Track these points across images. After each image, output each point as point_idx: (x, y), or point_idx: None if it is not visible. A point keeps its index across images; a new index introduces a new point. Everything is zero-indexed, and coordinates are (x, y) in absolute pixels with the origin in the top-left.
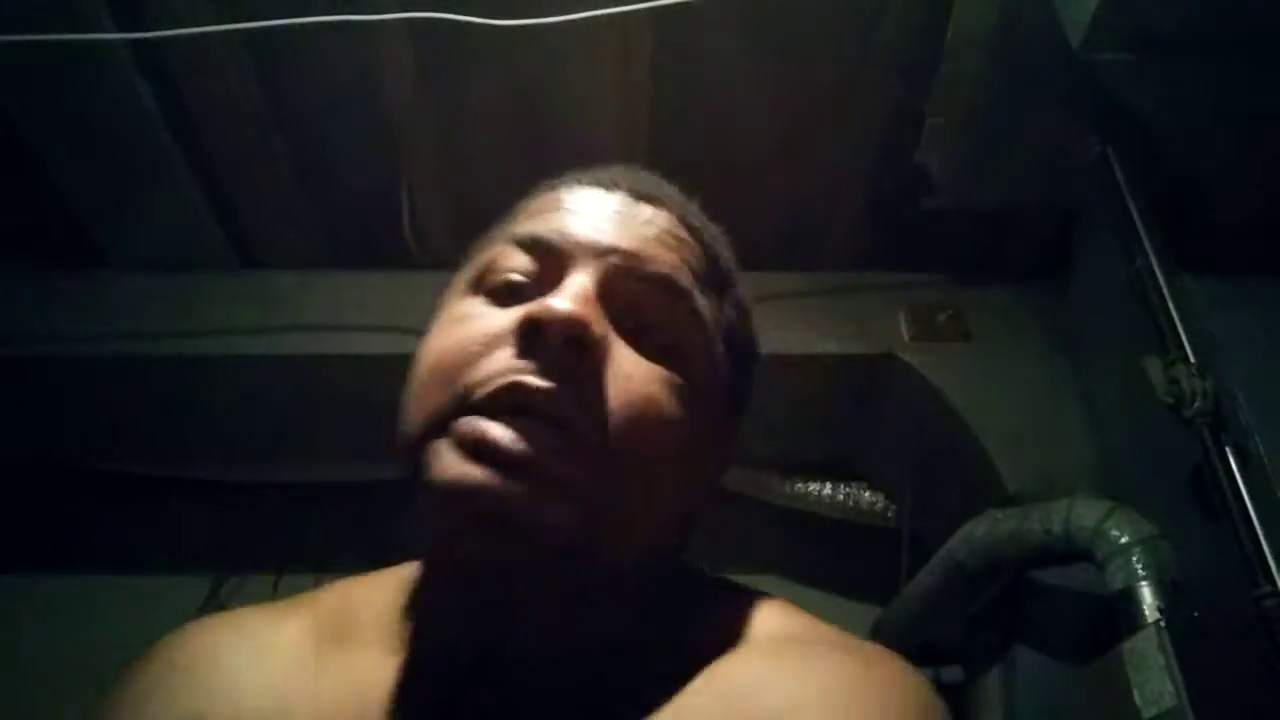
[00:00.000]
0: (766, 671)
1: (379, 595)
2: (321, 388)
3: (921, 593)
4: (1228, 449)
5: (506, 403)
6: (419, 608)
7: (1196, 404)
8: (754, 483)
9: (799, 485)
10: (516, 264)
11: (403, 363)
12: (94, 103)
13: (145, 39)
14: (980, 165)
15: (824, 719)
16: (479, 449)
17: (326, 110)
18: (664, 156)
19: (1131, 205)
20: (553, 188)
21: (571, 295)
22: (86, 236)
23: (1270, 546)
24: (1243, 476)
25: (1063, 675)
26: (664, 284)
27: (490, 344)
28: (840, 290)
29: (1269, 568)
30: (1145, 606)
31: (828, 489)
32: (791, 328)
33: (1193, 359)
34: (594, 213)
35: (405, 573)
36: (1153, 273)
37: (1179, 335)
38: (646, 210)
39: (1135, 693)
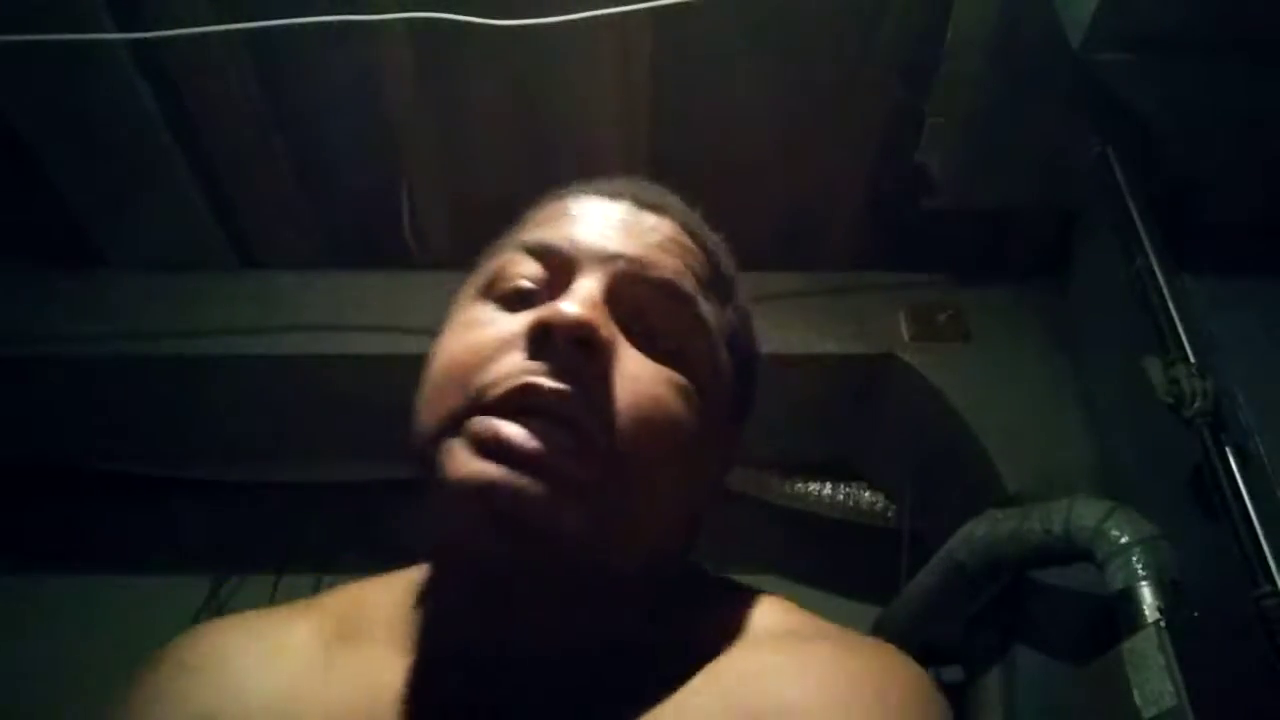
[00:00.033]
0: (767, 665)
1: (388, 596)
2: (321, 388)
3: (921, 593)
4: (1228, 449)
5: (519, 403)
6: (428, 608)
7: (1196, 404)
8: (754, 483)
9: (799, 485)
10: (526, 271)
11: (403, 363)
12: (94, 103)
13: (145, 39)
14: (980, 165)
15: (825, 711)
16: (493, 447)
17: (326, 110)
18: (664, 156)
19: (1131, 205)
20: (559, 197)
21: (580, 299)
22: (86, 236)
23: (1270, 546)
24: (1243, 476)
25: (1063, 675)
26: (668, 289)
27: (501, 347)
28: (840, 290)
29: (1269, 568)
30: (1145, 606)
31: (828, 489)
32: (791, 328)
33: (1193, 359)
34: (600, 221)
35: (414, 575)
36: (1153, 273)
37: (1179, 335)
38: (650, 218)
39: (1135, 693)
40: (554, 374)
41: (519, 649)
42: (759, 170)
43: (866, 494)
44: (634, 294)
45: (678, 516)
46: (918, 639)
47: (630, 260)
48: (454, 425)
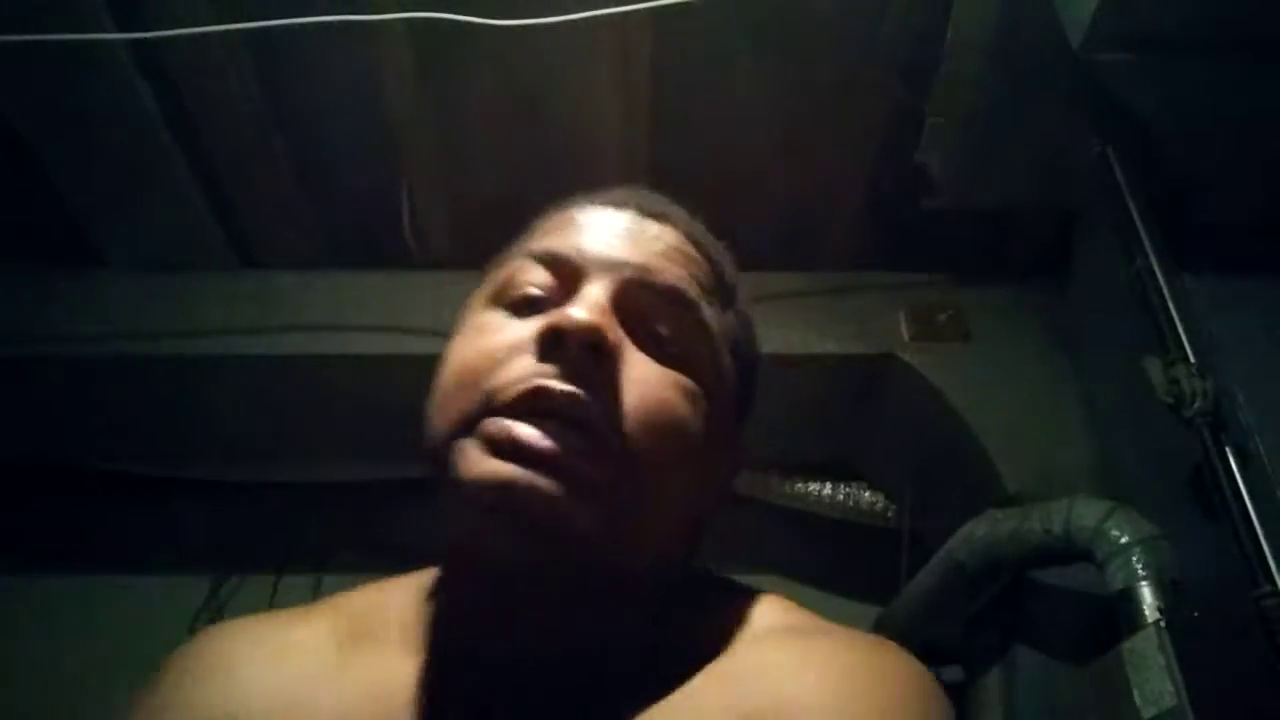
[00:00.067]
0: (768, 662)
1: (400, 597)
2: (321, 388)
3: (921, 593)
4: (1228, 449)
5: (531, 405)
6: (440, 609)
7: (1196, 404)
8: (754, 483)
9: (799, 485)
10: (534, 278)
11: (403, 363)
12: (94, 103)
13: (145, 39)
14: (980, 165)
15: (825, 707)
16: (507, 447)
17: (326, 110)
18: (664, 157)
19: (1131, 205)
20: (566, 207)
21: (588, 305)
22: (86, 236)
23: (1270, 546)
24: (1243, 476)
25: (1063, 675)
26: (672, 295)
27: (512, 352)
28: (840, 290)
29: (1269, 568)
30: (1145, 606)
31: (828, 489)
32: (791, 328)
33: (1193, 359)
34: (606, 230)
35: (426, 577)
36: (1153, 273)
37: (1179, 335)
38: (654, 227)
39: (1135, 693)
40: (565, 377)
41: (528, 650)
42: (759, 170)
43: (866, 494)
44: (639, 300)
45: (685, 518)
46: (918, 639)
47: (636, 268)
48: (466, 427)
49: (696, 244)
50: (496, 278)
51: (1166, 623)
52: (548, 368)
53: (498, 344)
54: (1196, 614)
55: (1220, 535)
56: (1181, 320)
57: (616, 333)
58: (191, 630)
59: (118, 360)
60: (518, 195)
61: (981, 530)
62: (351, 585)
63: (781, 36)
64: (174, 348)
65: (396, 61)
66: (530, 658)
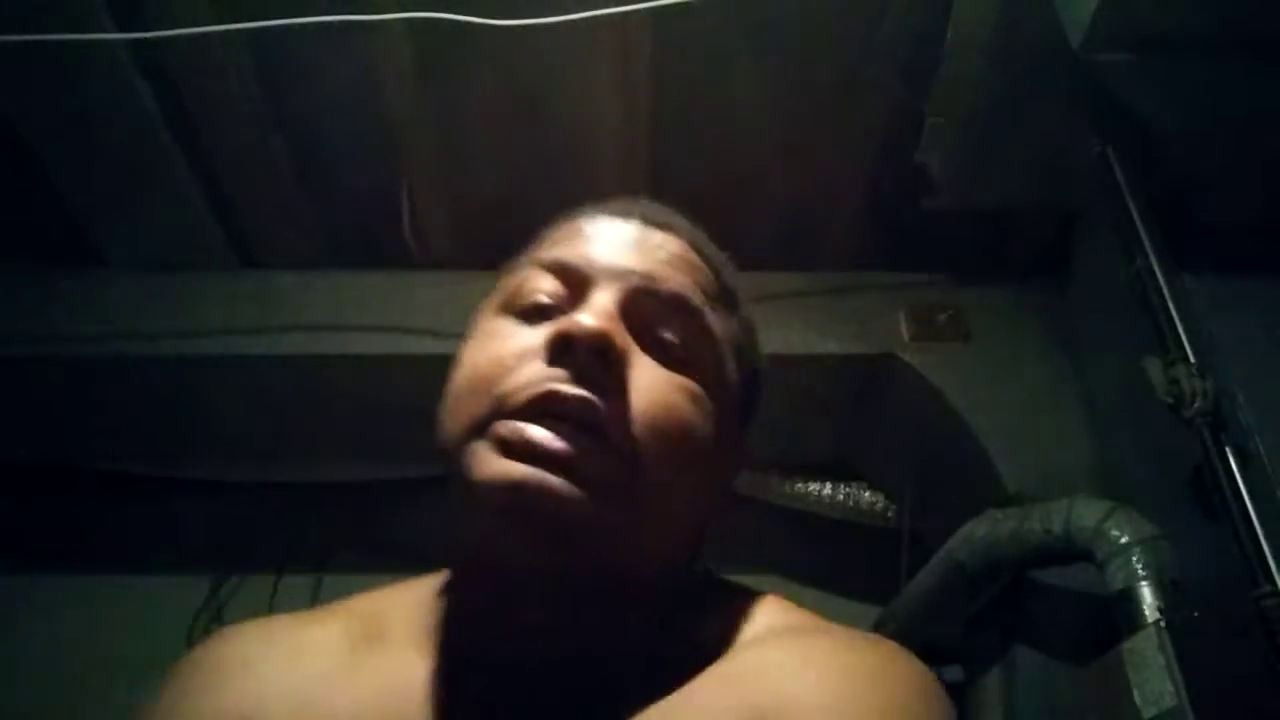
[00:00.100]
0: (769, 662)
1: (411, 598)
2: (321, 388)
3: (921, 593)
4: (1228, 449)
5: (542, 408)
6: (451, 611)
7: (1196, 404)
8: (754, 483)
9: (799, 485)
10: (543, 286)
11: (402, 363)
12: (93, 103)
13: (145, 39)
14: (980, 165)
15: (826, 706)
16: (520, 448)
17: (326, 110)
18: (664, 157)
19: (1131, 205)
20: (573, 218)
21: (596, 312)
22: (86, 236)
23: (1270, 546)
24: (1243, 476)
25: (1063, 675)
26: (677, 302)
27: (523, 357)
28: (840, 290)
29: (1269, 568)
30: (1145, 606)
31: (828, 489)
32: (791, 328)
33: (1193, 359)
34: (612, 239)
35: (437, 579)
36: (1153, 273)
37: (1179, 335)
38: (659, 236)
39: (1135, 693)
40: (575, 381)
41: (535, 651)
42: (759, 170)
43: (866, 494)
44: (645, 307)
45: (691, 520)
46: (918, 639)
47: (642, 275)
48: (478, 430)
49: (700, 252)
50: (506, 286)
51: (1166, 623)
52: (558, 372)
53: (509, 350)
54: (1196, 614)
55: (1220, 535)
56: (1181, 320)
57: (624, 339)
58: (191, 630)
59: (118, 360)
60: (518, 195)
61: (981, 530)
62: (351, 585)
63: (781, 36)
64: (174, 348)
65: (396, 61)
66: (537, 659)
